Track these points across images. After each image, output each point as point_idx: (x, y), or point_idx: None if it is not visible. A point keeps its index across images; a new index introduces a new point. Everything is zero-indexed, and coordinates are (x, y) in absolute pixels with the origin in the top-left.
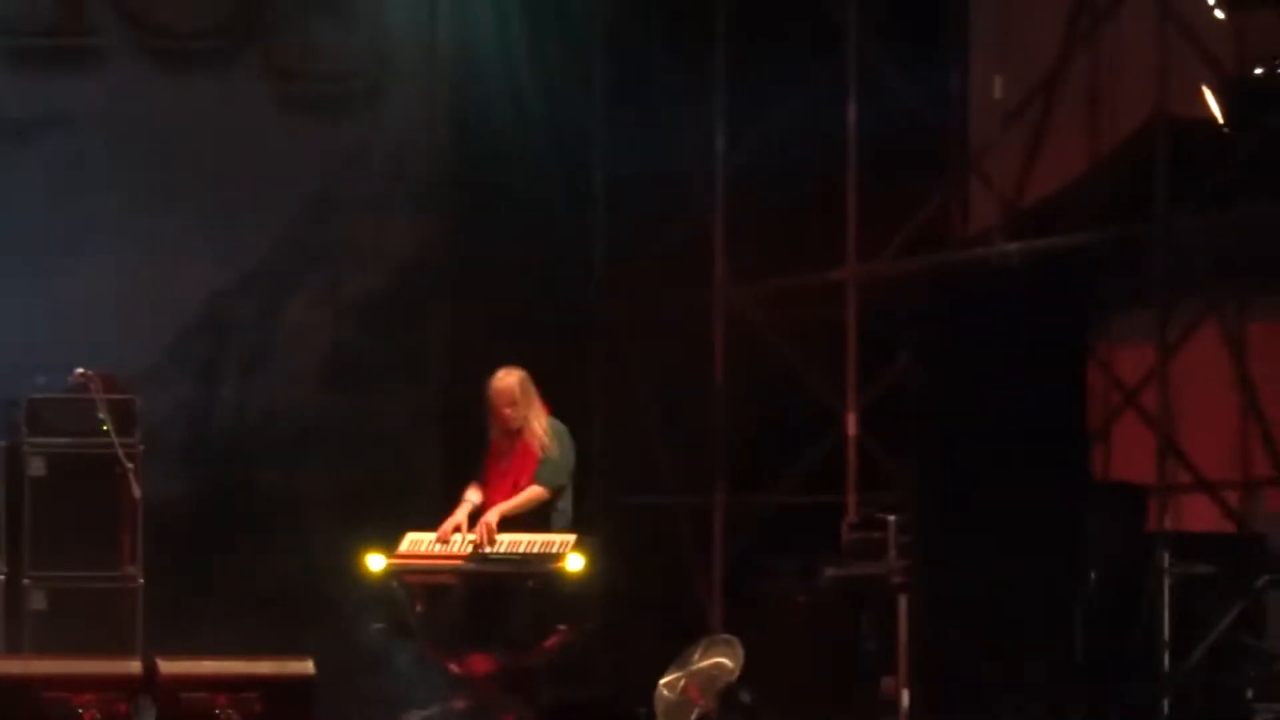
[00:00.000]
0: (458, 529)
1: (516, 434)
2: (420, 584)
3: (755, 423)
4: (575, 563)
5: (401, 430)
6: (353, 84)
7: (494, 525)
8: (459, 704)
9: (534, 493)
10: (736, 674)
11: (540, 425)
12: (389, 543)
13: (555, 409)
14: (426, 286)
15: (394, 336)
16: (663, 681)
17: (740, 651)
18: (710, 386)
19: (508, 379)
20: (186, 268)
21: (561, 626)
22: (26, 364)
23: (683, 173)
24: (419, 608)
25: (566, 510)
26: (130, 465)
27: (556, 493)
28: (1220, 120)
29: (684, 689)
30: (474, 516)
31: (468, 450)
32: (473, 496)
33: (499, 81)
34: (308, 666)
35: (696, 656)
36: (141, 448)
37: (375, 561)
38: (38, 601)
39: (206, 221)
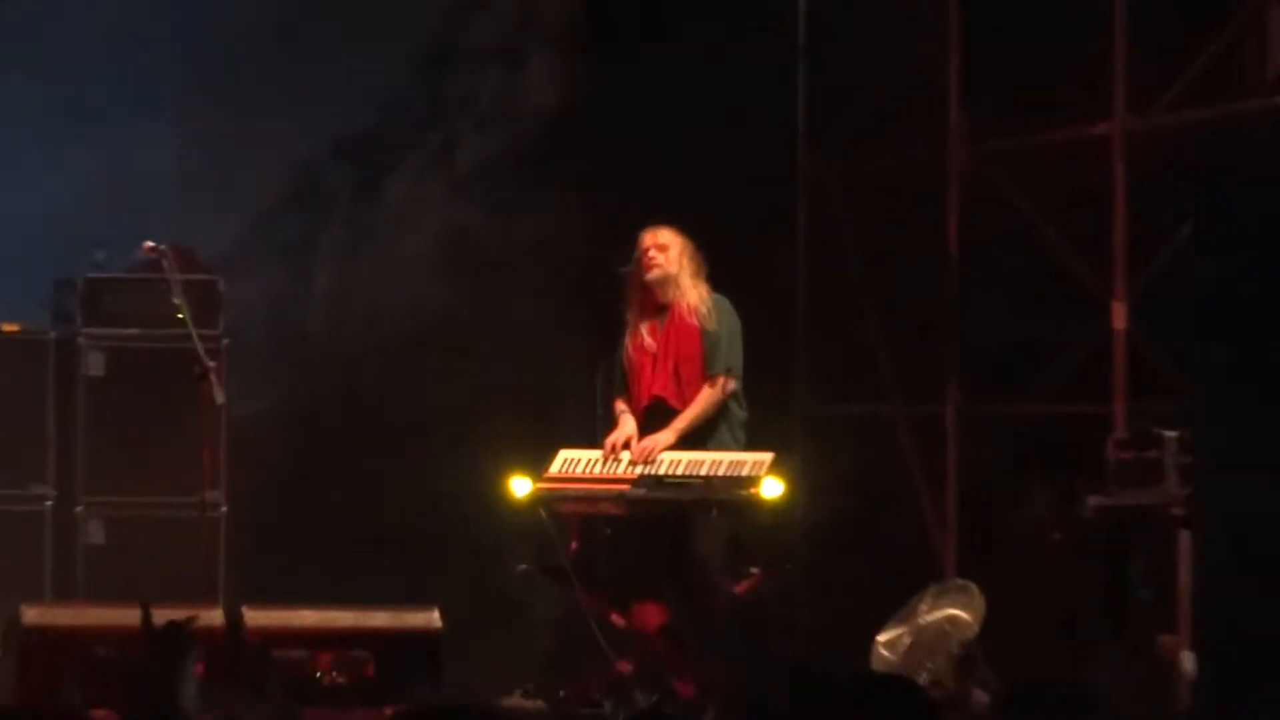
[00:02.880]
0: (628, 443)
1: (666, 307)
2: (577, 514)
3: (998, 311)
4: (772, 488)
5: (542, 325)
6: None
7: (659, 447)
8: (624, 667)
9: (708, 395)
10: (975, 630)
11: (697, 294)
12: (536, 463)
13: (747, 296)
14: (566, 152)
15: (527, 212)
16: (881, 639)
17: (979, 601)
18: (942, 266)
19: (662, 226)
20: (274, 128)
21: (754, 569)
22: (83, 237)
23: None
24: (575, 544)
25: (741, 418)
26: (212, 364)
27: (730, 382)
28: None
29: (909, 649)
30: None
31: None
32: (624, 407)
33: None
34: (433, 619)
35: (924, 608)
36: (226, 342)
37: (520, 486)
38: (94, 533)
39: (299, 74)
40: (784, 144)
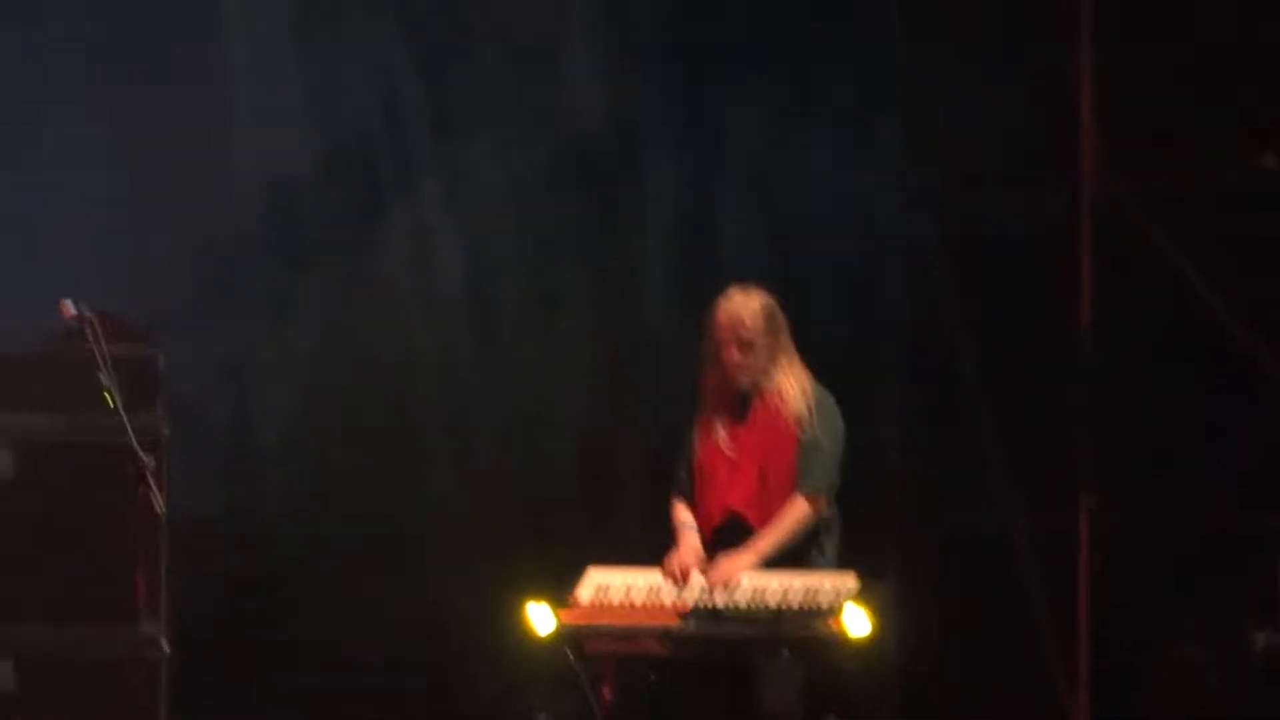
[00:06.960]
0: (687, 565)
1: (753, 396)
2: (612, 654)
3: (1144, 397)
4: (857, 622)
5: (585, 404)
6: None
7: (739, 571)
8: None
9: (800, 511)
10: None
11: (794, 385)
12: (562, 588)
13: (822, 375)
14: (618, 173)
15: (570, 251)
16: None
17: None
18: (1072, 340)
19: (747, 302)
20: (234, 139)
21: None
22: None
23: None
24: (608, 693)
25: (833, 535)
26: (150, 461)
27: (826, 503)
28: None
29: None
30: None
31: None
32: (687, 518)
33: None
34: None
35: None
36: (167, 433)
37: (541, 617)
38: (2, 678)
39: (262, 73)
40: (871, 188)
